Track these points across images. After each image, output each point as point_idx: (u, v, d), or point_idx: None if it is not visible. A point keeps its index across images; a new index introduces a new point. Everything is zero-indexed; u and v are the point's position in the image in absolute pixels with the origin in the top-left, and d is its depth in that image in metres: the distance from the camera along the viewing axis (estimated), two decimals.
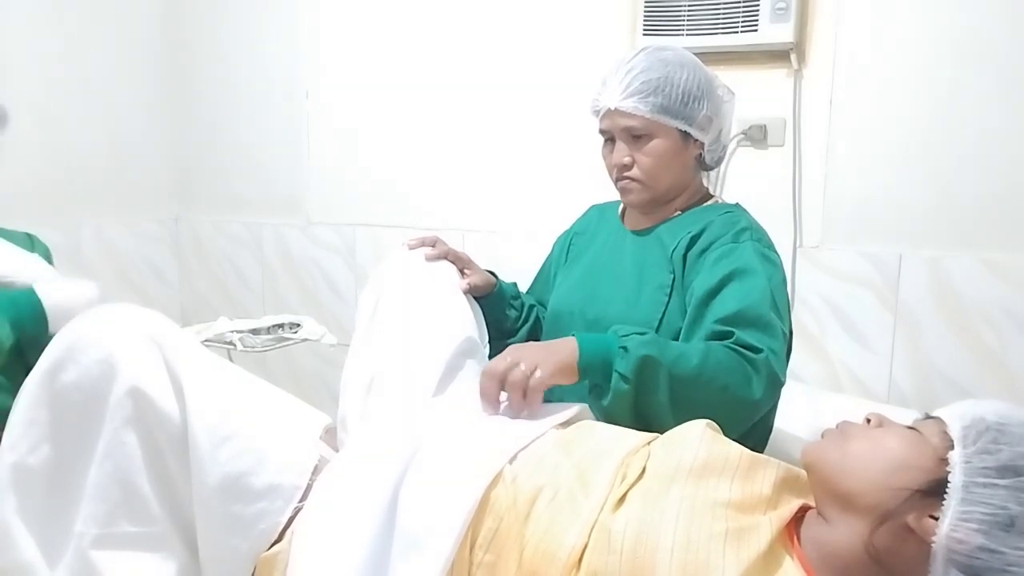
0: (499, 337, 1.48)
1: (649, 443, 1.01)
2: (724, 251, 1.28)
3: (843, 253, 1.89)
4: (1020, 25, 1.68)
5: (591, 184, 1.66)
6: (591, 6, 2.11)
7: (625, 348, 1.12)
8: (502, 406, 1.12)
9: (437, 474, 0.98)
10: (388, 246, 2.35)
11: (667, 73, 1.31)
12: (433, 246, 1.40)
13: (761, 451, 1.16)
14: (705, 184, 1.49)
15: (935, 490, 0.81)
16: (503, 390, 1.11)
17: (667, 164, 1.35)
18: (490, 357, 1.40)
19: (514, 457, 0.98)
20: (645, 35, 1.95)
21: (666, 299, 1.31)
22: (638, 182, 1.36)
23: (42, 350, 1.07)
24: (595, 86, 1.38)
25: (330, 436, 1.18)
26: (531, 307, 1.55)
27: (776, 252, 1.34)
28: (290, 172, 2.65)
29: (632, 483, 0.92)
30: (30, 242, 1.72)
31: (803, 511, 0.94)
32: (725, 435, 1.01)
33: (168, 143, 2.83)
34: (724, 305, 1.21)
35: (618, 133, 1.35)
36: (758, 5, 1.83)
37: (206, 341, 1.97)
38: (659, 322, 1.30)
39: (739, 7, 1.86)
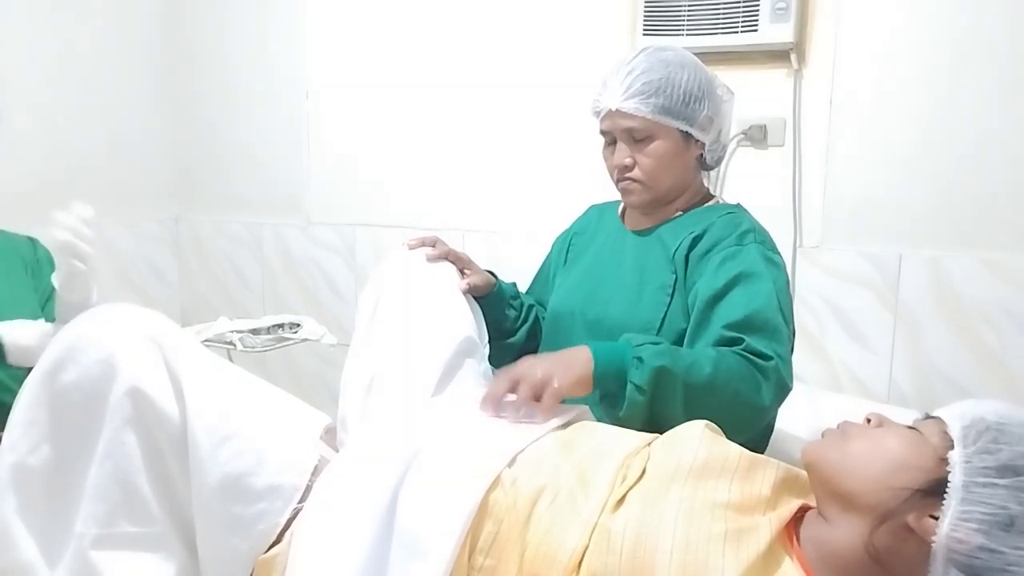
0: (499, 337, 1.48)
1: (649, 444, 1.01)
2: (728, 253, 1.28)
3: (843, 253, 1.89)
4: (1020, 25, 1.68)
5: (591, 184, 1.66)
6: (591, 6, 2.11)
7: (640, 359, 1.12)
8: (502, 407, 1.11)
9: (437, 474, 0.98)
10: (388, 246, 2.35)
11: (668, 74, 1.31)
12: (433, 246, 1.40)
13: (761, 451, 1.16)
14: (705, 184, 1.49)
15: (935, 490, 0.82)
16: (512, 392, 1.10)
17: (668, 165, 1.35)
18: (490, 357, 1.41)
19: (513, 460, 0.98)
20: (645, 35, 1.94)
21: (668, 299, 1.31)
22: (639, 183, 1.36)
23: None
24: (595, 86, 1.38)
25: (330, 436, 1.18)
26: (530, 307, 1.55)
27: (779, 253, 1.34)
28: (290, 172, 2.65)
29: (632, 484, 0.92)
30: (32, 246, 1.71)
31: (803, 511, 0.94)
32: (730, 439, 1.00)
33: (168, 143, 2.83)
34: (731, 310, 1.21)
35: (619, 134, 1.35)
36: (758, 5, 1.83)
37: (206, 341, 1.97)
38: (661, 323, 1.30)
39: (739, 7, 1.85)
